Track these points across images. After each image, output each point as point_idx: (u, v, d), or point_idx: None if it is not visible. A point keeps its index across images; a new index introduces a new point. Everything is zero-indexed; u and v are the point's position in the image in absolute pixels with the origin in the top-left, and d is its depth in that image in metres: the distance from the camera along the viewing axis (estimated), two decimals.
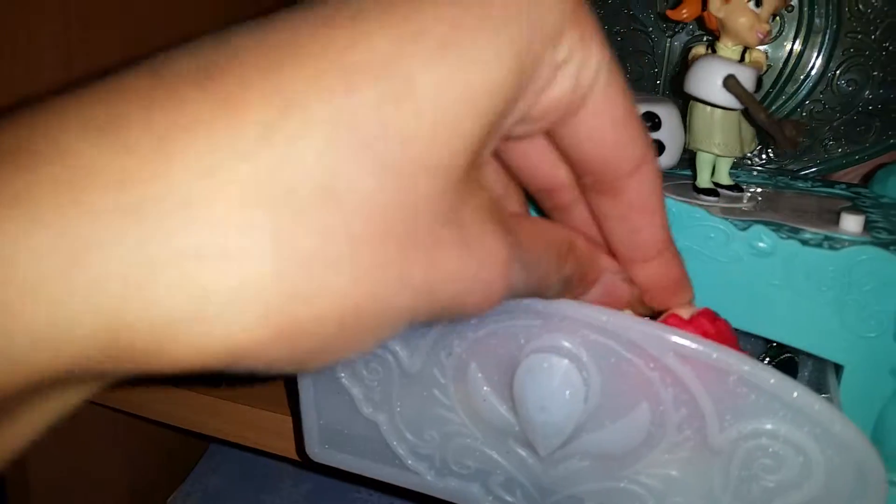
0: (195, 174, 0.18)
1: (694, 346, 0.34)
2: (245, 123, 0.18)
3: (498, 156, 0.33)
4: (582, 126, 0.27)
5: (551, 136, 0.29)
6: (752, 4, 0.47)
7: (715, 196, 0.50)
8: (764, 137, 0.48)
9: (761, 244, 0.42)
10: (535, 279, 0.28)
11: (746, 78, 0.45)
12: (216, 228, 0.18)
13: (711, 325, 0.37)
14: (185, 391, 0.63)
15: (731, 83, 0.45)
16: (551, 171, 0.32)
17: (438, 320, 0.25)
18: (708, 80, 0.46)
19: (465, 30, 0.21)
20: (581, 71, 0.25)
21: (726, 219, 0.43)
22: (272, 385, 0.62)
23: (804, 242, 0.41)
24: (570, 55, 0.24)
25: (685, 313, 0.37)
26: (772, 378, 0.33)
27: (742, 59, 0.49)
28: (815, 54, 0.61)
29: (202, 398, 0.62)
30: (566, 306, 0.36)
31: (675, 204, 0.43)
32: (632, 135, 0.28)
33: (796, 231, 0.43)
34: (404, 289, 0.21)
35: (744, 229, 0.42)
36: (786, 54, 0.62)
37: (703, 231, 0.42)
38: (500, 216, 0.25)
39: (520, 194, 0.35)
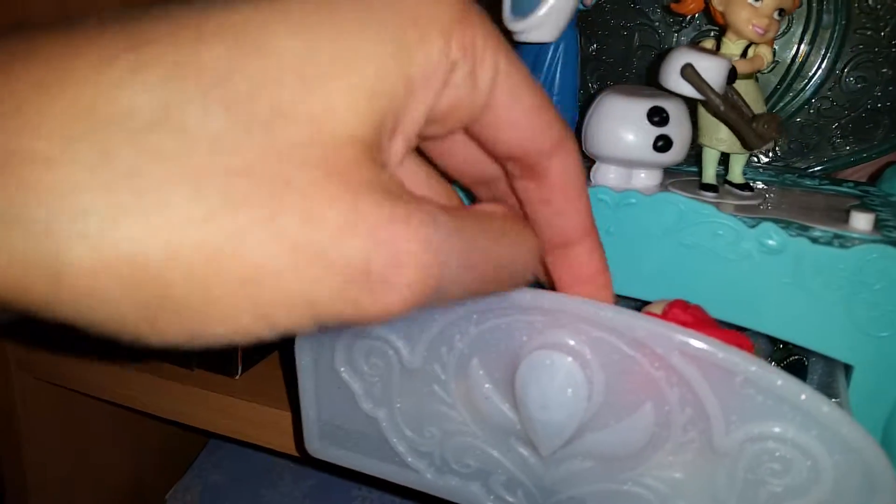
0: (39, 96, 0.19)
1: (700, 345, 0.33)
2: (96, 55, 0.20)
3: (426, 155, 0.33)
4: (493, 120, 0.28)
5: (468, 132, 0.29)
6: None
7: (714, 192, 0.50)
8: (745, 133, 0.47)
9: (770, 242, 0.41)
10: (483, 273, 0.27)
11: (712, 68, 0.45)
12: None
13: (686, 315, 0.36)
14: (185, 386, 0.62)
15: (687, 72, 0.44)
16: (479, 164, 0.33)
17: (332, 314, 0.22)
18: (669, 69, 0.45)
19: (347, 20, 0.23)
20: (477, 71, 0.26)
21: (735, 216, 0.42)
22: (273, 381, 0.62)
23: (814, 240, 0.40)
24: (462, 57, 0.25)
25: (657, 308, 0.37)
26: (779, 380, 0.32)
27: (744, 55, 0.49)
28: (823, 51, 0.60)
29: (202, 393, 0.62)
30: (570, 302, 0.35)
31: (682, 200, 0.42)
32: (545, 121, 0.29)
33: (805, 229, 0.43)
34: (275, 238, 0.20)
35: (753, 227, 0.41)
36: (794, 51, 0.61)
37: (711, 228, 0.41)
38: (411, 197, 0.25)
39: (450, 193, 0.35)
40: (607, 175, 0.49)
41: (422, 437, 0.42)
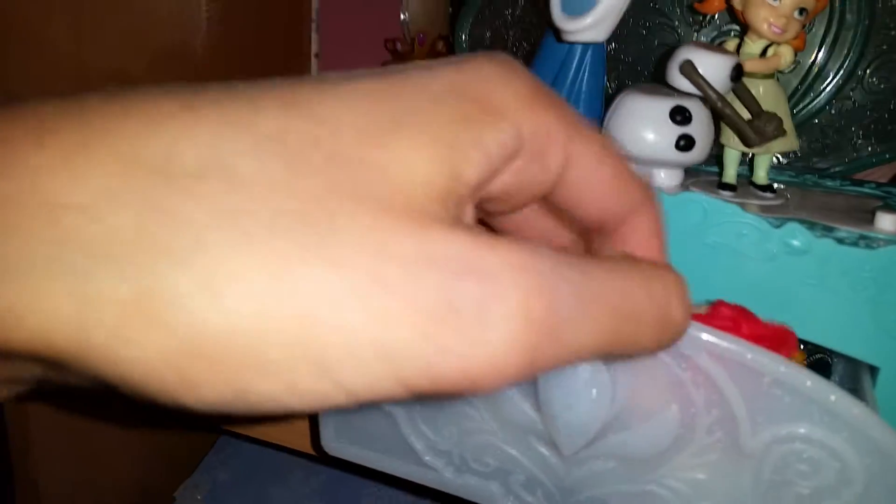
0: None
1: (728, 345, 0.32)
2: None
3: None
4: (569, 195, 0.26)
5: (545, 202, 0.28)
6: None
7: (732, 191, 0.49)
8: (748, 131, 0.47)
9: (795, 242, 0.40)
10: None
11: (713, 65, 0.44)
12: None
13: (733, 312, 0.36)
14: None
15: (686, 68, 0.44)
16: (555, 237, 0.31)
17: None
18: (671, 65, 0.45)
19: (410, 99, 0.22)
20: (548, 154, 0.24)
21: (759, 216, 0.42)
22: None
23: (839, 241, 0.40)
24: (531, 140, 0.24)
25: (701, 309, 0.36)
26: (808, 381, 0.32)
27: (763, 54, 0.49)
28: (845, 51, 0.59)
29: None
30: None
31: (706, 200, 0.42)
32: (624, 186, 0.27)
33: (830, 229, 0.42)
34: (331, 269, 0.18)
35: (778, 227, 0.41)
36: (815, 51, 0.60)
37: (735, 228, 0.41)
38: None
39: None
40: None
41: (440, 435, 0.42)
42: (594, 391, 0.35)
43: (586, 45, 0.50)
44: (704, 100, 0.46)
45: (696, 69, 0.44)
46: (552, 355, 0.20)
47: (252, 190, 0.18)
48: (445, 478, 0.42)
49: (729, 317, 0.35)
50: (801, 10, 0.47)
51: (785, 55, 0.49)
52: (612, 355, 0.24)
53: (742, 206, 0.43)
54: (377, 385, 0.19)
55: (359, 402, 0.19)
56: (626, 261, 0.25)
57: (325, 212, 0.18)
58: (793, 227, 0.40)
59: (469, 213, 0.23)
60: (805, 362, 0.49)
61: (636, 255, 0.28)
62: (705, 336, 0.33)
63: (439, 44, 1.02)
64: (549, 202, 0.27)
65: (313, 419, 0.46)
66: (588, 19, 0.46)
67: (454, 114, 0.22)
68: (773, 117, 0.46)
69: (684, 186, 0.49)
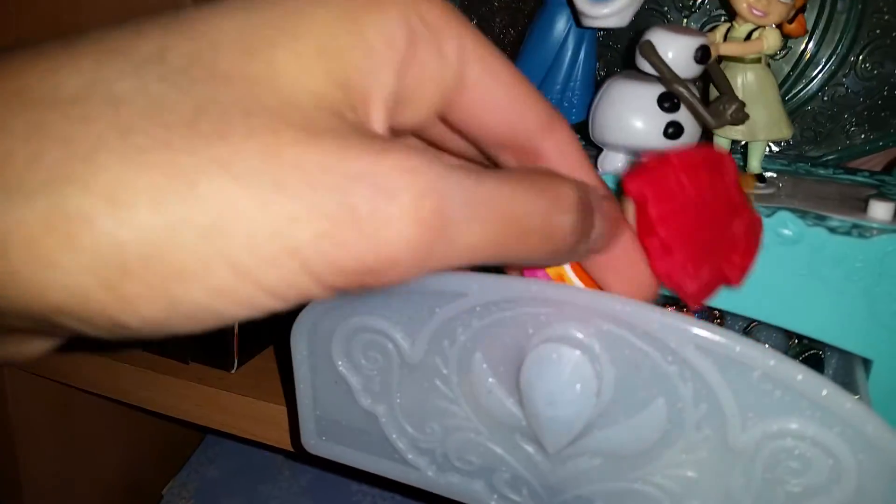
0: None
1: (717, 338, 0.31)
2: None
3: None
4: (473, 102, 0.27)
5: (453, 123, 0.28)
6: None
7: None
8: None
9: (786, 231, 0.39)
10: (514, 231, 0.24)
11: (676, 46, 0.45)
12: None
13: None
14: (180, 380, 0.61)
15: (644, 48, 0.45)
16: (469, 152, 0.32)
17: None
18: (637, 47, 0.45)
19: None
20: (443, 44, 0.25)
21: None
22: (270, 375, 0.60)
23: (832, 230, 0.39)
24: (422, 28, 0.24)
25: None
26: (799, 374, 0.31)
27: (748, 38, 0.48)
28: (837, 36, 0.58)
29: (198, 388, 0.61)
30: (577, 294, 0.33)
31: None
32: (529, 99, 0.28)
33: (822, 218, 0.41)
34: (231, 178, 0.19)
35: (768, 216, 0.40)
36: (807, 36, 0.59)
37: None
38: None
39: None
40: (615, 163, 0.48)
41: (423, 433, 0.41)
42: (578, 386, 0.34)
43: (583, 32, 0.51)
44: (660, 80, 0.45)
45: (654, 50, 0.44)
46: (445, 253, 0.22)
47: (138, 109, 0.19)
48: (428, 477, 0.41)
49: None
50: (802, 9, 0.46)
51: (768, 39, 0.47)
52: (505, 261, 0.25)
53: None
54: (293, 281, 0.20)
55: (284, 301, 0.21)
56: (522, 171, 0.26)
57: (215, 125, 0.19)
58: (784, 215, 0.39)
59: (376, 116, 0.23)
60: (795, 351, 0.48)
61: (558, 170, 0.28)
62: (693, 329, 0.32)
63: None
64: (456, 121, 0.28)
65: (293, 417, 0.45)
66: (615, 5, 0.47)
67: (335, 12, 0.22)
68: (734, 101, 0.45)
69: None
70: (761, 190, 0.48)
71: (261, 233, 0.19)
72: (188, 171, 0.18)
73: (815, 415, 0.31)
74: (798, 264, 0.40)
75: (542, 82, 0.53)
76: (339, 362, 0.41)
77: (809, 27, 0.58)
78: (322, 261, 0.20)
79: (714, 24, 0.57)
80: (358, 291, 0.22)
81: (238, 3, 0.22)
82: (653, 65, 0.44)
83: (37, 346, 0.25)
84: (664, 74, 0.44)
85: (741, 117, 0.45)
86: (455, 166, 0.22)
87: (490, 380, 0.37)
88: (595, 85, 0.52)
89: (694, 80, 0.46)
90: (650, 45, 0.45)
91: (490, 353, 0.37)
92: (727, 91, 0.46)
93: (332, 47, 0.22)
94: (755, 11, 0.46)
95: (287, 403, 0.56)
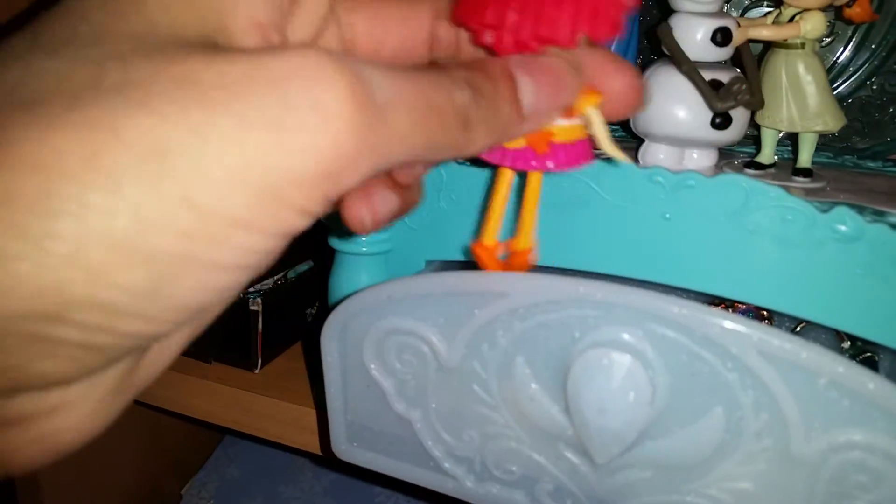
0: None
1: (782, 343, 0.30)
2: None
3: None
4: None
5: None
6: None
7: (759, 169, 0.48)
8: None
9: (844, 228, 0.37)
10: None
11: (694, 28, 0.44)
12: None
13: None
14: (203, 381, 0.60)
15: (662, 31, 0.45)
16: None
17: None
18: (657, 30, 0.46)
19: None
20: None
21: (805, 199, 0.38)
22: (294, 375, 0.60)
23: (893, 227, 0.37)
24: None
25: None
26: (871, 382, 0.29)
27: (791, 20, 0.46)
28: (889, 20, 0.56)
29: (221, 388, 0.60)
30: (629, 295, 0.32)
31: (748, 182, 0.39)
32: None
33: (881, 214, 0.40)
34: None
35: (825, 211, 0.38)
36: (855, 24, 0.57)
37: (779, 213, 0.38)
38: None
39: None
40: (657, 155, 0.47)
41: (460, 440, 0.39)
42: (631, 394, 0.32)
43: (635, 18, 0.52)
44: (677, 63, 0.44)
45: (670, 33, 0.44)
46: (386, 140, 0.22)
47: (42, 85, 0.19)
48: (466, 486, 0.40)
49: None
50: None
51: (808, 22, 0.45)
52: (440, 152, 0.25)
53: (785, 190, 0.40)
54: (258, 207, 0.20)
55: (262, 233, 0.21)
56: (451, 65, 0.26)
57: (120, 75, 0.19)
58: (842, 211, 0.37)
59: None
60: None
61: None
62: (757, 334, 0.30)
63: None
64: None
65: (322, 420, 0.44)
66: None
67: None
68: (744, 83, 0.44)
69: (718, 168, 0.48)
70: (809, 184, 0.46)
71: (206, 162, 0.19)
72: (110, 122, 0.18)
73: (887, 426, 0.30)
74: (855, 263, 0.38)
75: None
76: (372, 365, 0.39)
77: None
78: (280, 183, 0.20)
79: (757, 9, 0.58)
80: (326, 207, 0.22)
81: None
82: (667, 46, 0.44)
83: (54, 410, 0.23)
84: (676, 55, 0.44)
85: (747, 100, 0.44)
86: (377, 60, 0.23)
87: (533, 385, 0.35)
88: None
89: (726, 63, 0.46)
90: (668, 27, 0.44)
91: (533, 358, 0.36)
92: (750, 75, 0.45)
93: None
94: None
95: (316, 406, 0.55)
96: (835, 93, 0.58)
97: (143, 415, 0.82)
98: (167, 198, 0.19)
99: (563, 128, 0.29)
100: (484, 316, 0.35)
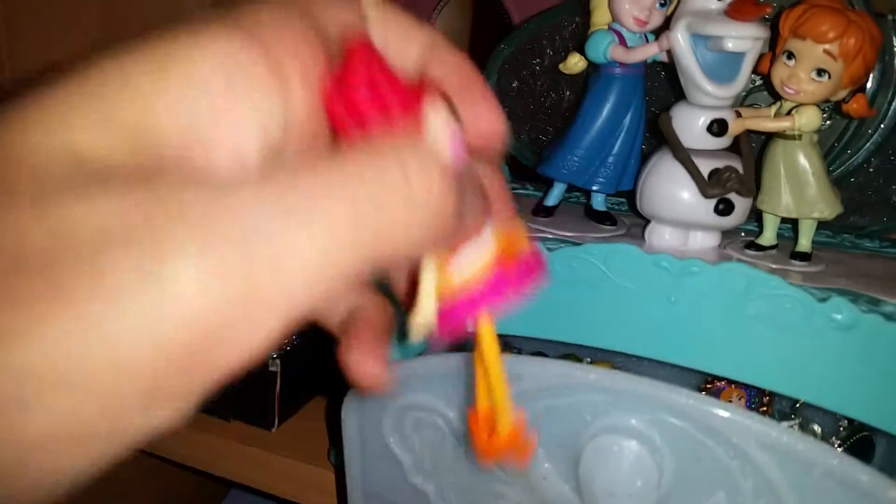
0: None
1: (778, 435, 0.32)
2: None
3: None
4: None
5: None
6: (784, 57, 0.47)
7: (760, 251, 0.49)
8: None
9: (840, 317, 0.39)
10: None
11: (692, 119, 0.46)
12: None
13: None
14: (222, 439, 0.62)
15: (662, 120, 0.47)
16: None
17: None
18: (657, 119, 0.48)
19: None
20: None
21: (803, 287, 0.41)
22: (310, 435, 0.61)
23: (887, 317, 0.39)
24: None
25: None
26: (864, 475, 0.31)
27: (789, 113, 0.47)
28: (885, 108, 0.58)
29: (239, 447, 0.62)
30: (637, 383, 0.35)
31: (749, 271, 0.41)
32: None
33: (876, 303, 0.41)
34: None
35: (822, 300, 0.39)
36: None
37: (779, 301, 0.40)
38: None
39: None
40: (663, 235, 0.49)
41: None
42: (639, 481, 0.35)
43: (639, 107, 0.53)
44: (672, 150, 0.46)
45: (670, 122, 0.46)
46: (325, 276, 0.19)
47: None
48: None
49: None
50: (821, 72, 0.46)
51: (803, 116, 0.47)
52: (392, 258, 0.21)
53: (784, 274, 0.42)
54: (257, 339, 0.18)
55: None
56: (359, 148, 0.22)
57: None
58: (838, 301, 0.39)
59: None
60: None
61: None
62: (756, 425, 0.32)
63: None
64: None
65: (340, 485, 0.46)
66: (740, 84, 0.47)
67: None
68: (735, 172, 0.46)
69: (721, 248, 0.49)
70: (808, 268, 0.48)
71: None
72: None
73: None
74: (850, 349, 0.39)
75: (598, 152, 0.53)
76: (391, 439, 0.41)
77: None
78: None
79: (760, 93, 0.59)
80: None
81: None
82: (665, 133, 0.46)
83: None
84: (671, 143, 0.46)
85: (737, 188, 0.46)
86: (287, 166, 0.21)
87: (545, 465, 0.37)
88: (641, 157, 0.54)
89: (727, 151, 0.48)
90: (668, 116, 0.46)
91: (546, 439, 0.37)
92: (745, 164, 0.47)
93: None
94: (787, 89, 0.47)
95: (336, 473, 0.57)
96: (833, 174, 0.59)
97: (154, 465, 0.84)
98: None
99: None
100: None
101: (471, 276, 0.25)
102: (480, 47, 1.06)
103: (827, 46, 0.45)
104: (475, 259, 0.25)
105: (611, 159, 0.53)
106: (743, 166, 0.47)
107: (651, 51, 0.50)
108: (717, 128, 0.47)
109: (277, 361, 0.60)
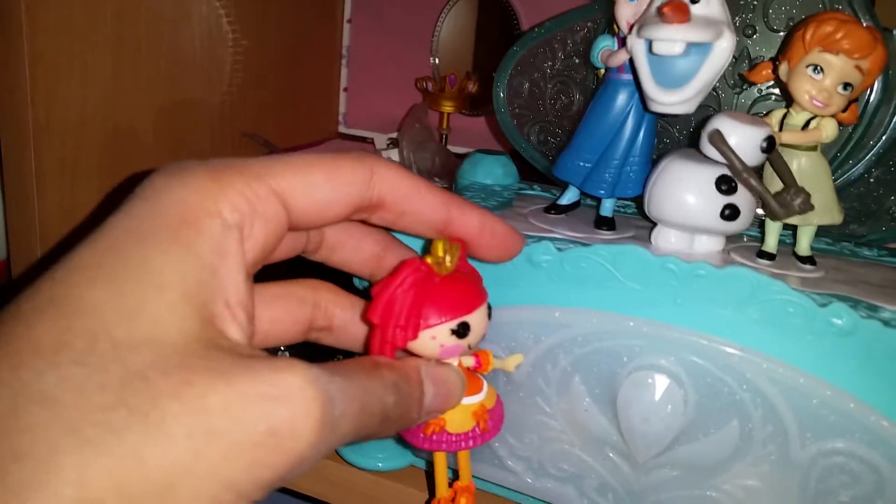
0: None
1: (784, 370, 0.45)
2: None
3: None
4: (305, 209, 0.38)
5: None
6: (810, 70, 0.52)
7: (771, 259, 0.55)
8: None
9: (840, 322, 0.45)
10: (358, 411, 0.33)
11: (744, 135, 0.51)
12: None
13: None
14: None
15: (714, 138, 0.50)
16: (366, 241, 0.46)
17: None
18: (703, 133, 0.52)
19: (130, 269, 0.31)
20: (265, 209, 0.36)
21: (805, 292, 0.46)
22: None
23: (885, 323, 0.45)
24: (240, 215, 0.35)
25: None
26: (851, 403, 0.43)
27: (806, 126, 0.54)
28: (886, 118, 0.67)
29: None
30: (667, 330, 0.47)
31: (753, 275, 0.47)
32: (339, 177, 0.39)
33: (875, 309, 0.47)
34: (170, 439, 0.27)
35: (823, 305, 0.45)
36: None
37: (782, 306, 0.46)
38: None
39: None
40: (669, 238, 0.55)
41: (522, 442, 0.53)
42: (669, 407, 0.46)
43: (643, 113, 0.58)
44: (729, 168, 0.51)
45: (723, 139, 0.50)
46: (330, 445, 0.31)
47: (71, 401, 0.26)
48: (525, 481, 0.53)
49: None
50: (846, 85, 0.52)
51: (827, 128, 0.54)
52: (366, 439, 0.35)
53: (785, 279, 0.49)
54: (245, 488, 0.28)
55: (244, 499, 0.29)
56: (363, 362, 0.37)
57: (141, 395, 0.27)
58: (838, 306, 0.45)
59: (241, 317, 0.33)
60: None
61: (399, 205, 0.41)
62: (765, 362, 0.45)
63: (468, 84, 1.16)
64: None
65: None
66: (683, 93, 0.52)
67: (188, 256, 0.32)
68: (801, 192, 0.50)
69: (725, 252, 0.55)
70: (810, 273, 0.54)
71: (202, 482, 0.27)
72: (137, 448, 0.25)
73: (863, 437, 0.43)
74: (850, 354, 0.46)
75: (600, 157, 0.60)
76: None
77: (860, 111, 0.66)
78: (252, 483, 0.28)
79: (765, 102, 0.69)
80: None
81: (98, 270, 0.30)
82: (723, 153, 0.50)
83: None
84: (734, 164, 0.50)
85: (808, 208, 0.50)
86: (335, 370, 0.32)
87: (587, 399, 0.50)
88: (651, 161, 0.59)
89: (759, 169, 0.52)
90: (720, 134, 0.50)
91: (588, 377, 0.49)
92: (791, 181, 0.52)
93: (189, 290, 0.30)
94: (816, 103, 0.52)
95: None
96: (835, 183, 0.62)
97: None
98: None
99: (487, 395, 0.46)
100: (549, 342, 0.50)
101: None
102: (486, 47, 1.19)
103: (859, 62, 0.51)
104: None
105: (606, 165, 0.59)
106: (787, 182, 0.52)
107: (622, 56, 0.56)
108: (768, 145, 0.51)
109: (286, 354, 0.66)
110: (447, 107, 1.10)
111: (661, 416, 0.47)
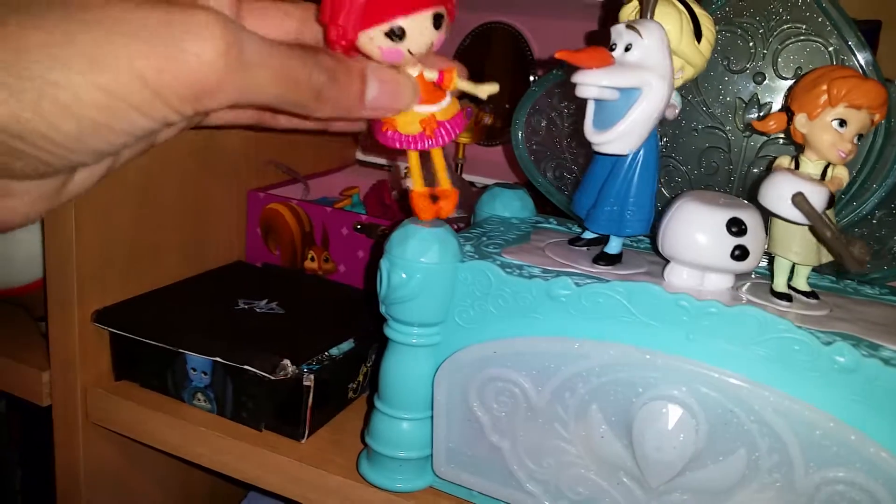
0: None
1: (790, 403, 0.47)
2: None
3: None
4: None
5: None
6: (836, 124, 0.53)
7: (788, 301, 0.57)
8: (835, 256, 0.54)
9: (843, 360, 0.48)
10: (274, 76, 0.38)
11: (817, 196, 0.52)
12: None
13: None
14: (254, 447, 0.72)
15: (798, 200, 0.51)
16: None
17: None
18: (778, 196, 0.53)
19: None
20: None
21: (809, 330, 0.49)
22: (337, 448, 0.72)
23: (885, 361, 0.47)
24: None
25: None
26: (853, 435, 0.46)
27: (823, 175, 0.56)
28: (889, 165, 0.68)
29: (271, 456, 0.71)
30: (680, 362, 0.50)
31: (761, 315, 0.50)
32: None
33: (876, 348, 0.49)
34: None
35: (827, 344, 0.48)
36: (858, 165, 0.70)
37: (788, 343, 0.49)
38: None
39: None
40: (681, 275, 0.57)
41: (540, 466, 0.56)
42: (682, 436, 0.50)
43: (636, 155, 0.58)
44: (812, 227, 0.53)
45: (807, 201, 0.51)
46: (245, 84, 0.36)
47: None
48: (543, 503, 0.57)
49: None
50: (860, 136, 0.54)
51: (844, 176, 0.56)
52: (288, 106, 0.40)
53: (791, 317, 0.51)
54: (150, 102, 0.34)
55: (153, 119, 0.35)
56: (323, 53, 0.41)
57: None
58: (841, 346, 0.47)
59: None
60: None
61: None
62: (772, 396, 0.47)
63: (484, 117, 1.18)
64: None
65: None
66: (610, 134, 0.55)
67: None
68: (864, 243, 0.52)
69: (735, 289, 0.58)
70: (815, 311, 0.56)
71: (122, 64, 0.32)
72: (68, 30, 0.32)
73: (863, 467, 0.46)
74: (852, 391, 0.48)
75: (598, 196, 0.61)
76: (474, 404, 0.57)
77: (862, 157, 0.70)
78: (165, 88, 0.33)
79: (774, 145, 0.72)
80: (201, 116, 0.38)
81: None
82: (808, 215, 0.51)
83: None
84: (820, 226, 0.51)
85: (868, 255, 0.52)
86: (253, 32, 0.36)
87: (603, 427, 0.53)
88: (654, 203, 0.60)
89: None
90: (804, 196, 0.51)
91: (604, 406, 0.53)
92: (840, 232, 0.53)
93: None
94: (840, 153, 0.54)
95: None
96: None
97: (177, 468, 0.96)
98: (94, 85, 0.32)
99: (443, 109, 0.52)
100: (568, 371, 0.53)
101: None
102: (499, 77, 1.21)
103: (874, 115, 0.54)
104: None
105: (603, 204, 0.60)
106: (836, 233, 0.53)
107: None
108: (830, 201, 0.53)
109: (311, 376, 0.69)
110: (463, 138, 1.13)
111: (673, 444, 0.50)
